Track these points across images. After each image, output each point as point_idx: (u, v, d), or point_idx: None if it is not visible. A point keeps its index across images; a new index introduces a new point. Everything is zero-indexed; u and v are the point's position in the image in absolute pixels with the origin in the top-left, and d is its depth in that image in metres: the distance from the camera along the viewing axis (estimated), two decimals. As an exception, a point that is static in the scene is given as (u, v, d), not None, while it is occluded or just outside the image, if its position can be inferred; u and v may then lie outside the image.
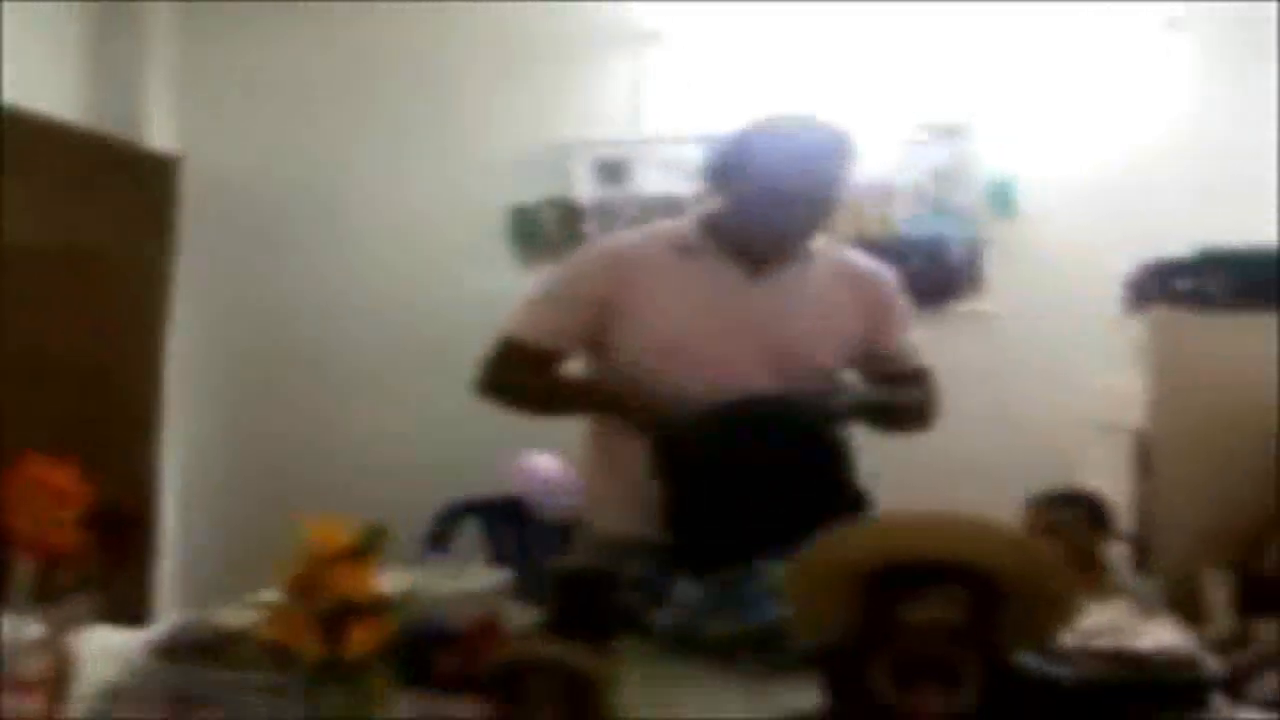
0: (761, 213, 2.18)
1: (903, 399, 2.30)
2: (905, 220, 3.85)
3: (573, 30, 4.00)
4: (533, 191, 4.00)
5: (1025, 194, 3.81)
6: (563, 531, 2.64)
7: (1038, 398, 3.71)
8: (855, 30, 3.88)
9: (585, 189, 3.98)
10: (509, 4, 4.02)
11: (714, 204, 2.27)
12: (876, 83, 3.87)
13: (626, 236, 2.41)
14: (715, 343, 2.20)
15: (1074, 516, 2.31)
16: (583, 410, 2.31)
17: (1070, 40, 3.85)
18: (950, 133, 3.86)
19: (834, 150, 2.18)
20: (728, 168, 2.21)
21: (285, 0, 4.06)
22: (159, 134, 3.99)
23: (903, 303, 2.38)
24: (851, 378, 2.32)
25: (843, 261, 2.35)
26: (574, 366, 2.34)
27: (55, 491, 1.60)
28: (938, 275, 3.79)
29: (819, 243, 2.29)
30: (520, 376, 2.26)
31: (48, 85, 3.62)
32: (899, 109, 3.87)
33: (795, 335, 2.23)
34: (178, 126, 4.06)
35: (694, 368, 2.16)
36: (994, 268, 3.84)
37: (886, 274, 2.38)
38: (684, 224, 2.31)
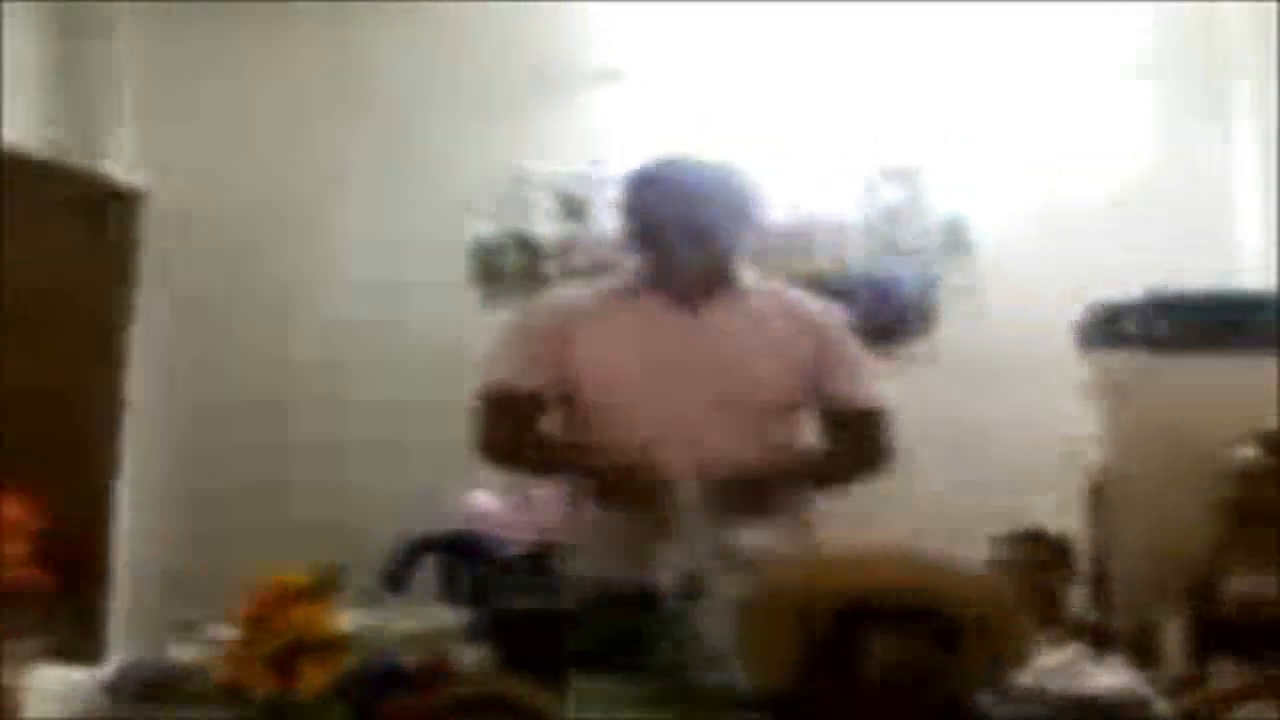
0: (647, 250, 2.27)
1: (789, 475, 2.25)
2: (859, 259, 3.83)
3: (534, 66, 3.98)
4: (492, 226, 3.94)
5: (978, 234, 3.82)
6: (519, 569, 2.65)
7: (994, 436, 3.68)
8: (812, 71, 3.88)
9: (546, 225, 3.96)
10: (472, 40, 4.00)
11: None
12: (832, 123, 3.86)
13: (568, 291, 2.50)
14: (660, 376, 2.23)
15: (1035, 556, 2.32)
16: (570, 475, 2.29)
17: (1025, 83, 3.87)
18: (904, 174, 3.86)
19: (708, 186, 2.23)
20: (620, 210, 2.32)
21: (250, 34, 4.01)
22: (121, 167, 3.90)
23: (851, 340, 2.38)
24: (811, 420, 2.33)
25: (786, 297, 2.39)
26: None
27: (5, 524, 1.57)
28: (891, 314, 3.78)
29: (752, 279, 2.33)
30: (509, 430, 2.29)
31: (9, 117, 3.54)
32: (853, 150, 3.86)
33: (739, 365, 2.26)
34: (140, 159, 3.98)
35: (642, 403, 2.20)
36: (947, 307, 3.84)
37: (833, 311, 2.41)
38: (621, 274, 2.39)
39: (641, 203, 2.27)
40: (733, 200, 2.27)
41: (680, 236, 2.21)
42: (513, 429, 2.30)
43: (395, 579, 3.17)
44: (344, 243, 4.07)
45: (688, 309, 2.28)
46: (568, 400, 2.30)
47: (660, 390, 2.22)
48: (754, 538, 2.01)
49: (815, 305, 2.40)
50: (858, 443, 2.33)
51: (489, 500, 3.32)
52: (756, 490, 2.14)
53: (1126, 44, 3.82)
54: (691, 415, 2.20)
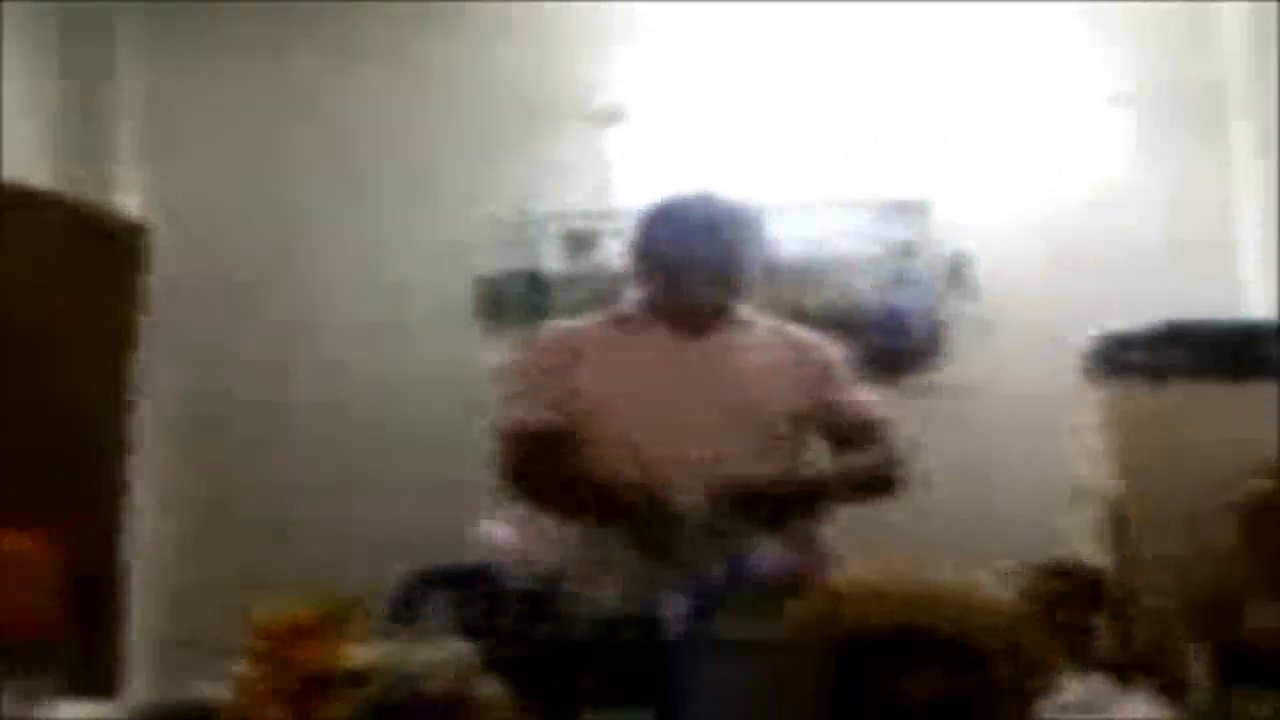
0: (658, 285, 2.31)
1: (840, 472, 2.29)
2: (865, 293, 3.84)
3: (541, 103, 3.99)
4: (499, 262, 3.96)
5: (985, 268, 3.80)
6: (530, 601, 2.63)
7: (1007, 468, 3.66)
8: (818, 108, 3.89)
9: (552, 261, 3.97)
10: (480, 76, 4.02)
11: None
12: (838, 159, 3.87)
13: (567, 322, 2.49)
14: (664, 399, 2.25)
15: (1065, 589, 2.30)
16: (588, 508, 2.28)
17: (1029, 118, 3.86)
18: (910, 209, 3.87)
19: (719, 223, 2.28)
20: (631, 246, 2.37)
21: (254, 72, 4.04)
22: (127, 201, 3.93)
23: (847, 365, 2.41)
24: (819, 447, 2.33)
25: (782, 330, 2.43)
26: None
27: (21, 564, 1.55)
28: (899, 348, 3.79)
29: (749, 313, 2.36)
30: (537, 464, 2.28)
31: (16, 152, 3.56)
32: (860, 185, 3.87)
33: (741, 387, 2.29)
34: (146, 193, 3.99)
35: (649, 426, 2.21)
36: (955, 340, 3.82)
37: (827, 340, 2.44)
38: (623, 304, 2.42)
39: (656, 237, 2.31)
40: (744, 236, 2.31)
41: (693, 271, 2.26)
42: (539, 466, 2.29)
43: (403, 613, 3.13)
44: (348, 279, 4.04)
45: (690, 339, 2.31)
46: (572, 431, 2.30)
47: (667, 412, 2.24)
48: (769, 562, 1.94)
49: (813, 337, 2.44)
50: (868, 454, 2.34)
51: (500, 531, 3.15)
52: (769, 505, 2.12)
53: (1127, 76, 3.80)
54: (699, 435, 2.21)
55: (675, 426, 2.22)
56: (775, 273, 3.34)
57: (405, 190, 4.05)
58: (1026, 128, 3.89)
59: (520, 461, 2.31)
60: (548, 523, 2.34)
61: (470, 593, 2.97)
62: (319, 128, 4.07)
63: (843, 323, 3.31)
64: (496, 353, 3.45)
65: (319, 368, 3.99)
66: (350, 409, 3.96)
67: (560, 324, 2.49)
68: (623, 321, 2.37)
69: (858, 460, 2.32)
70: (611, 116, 3.95)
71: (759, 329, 2.39)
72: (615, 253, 3.76)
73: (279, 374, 4.01)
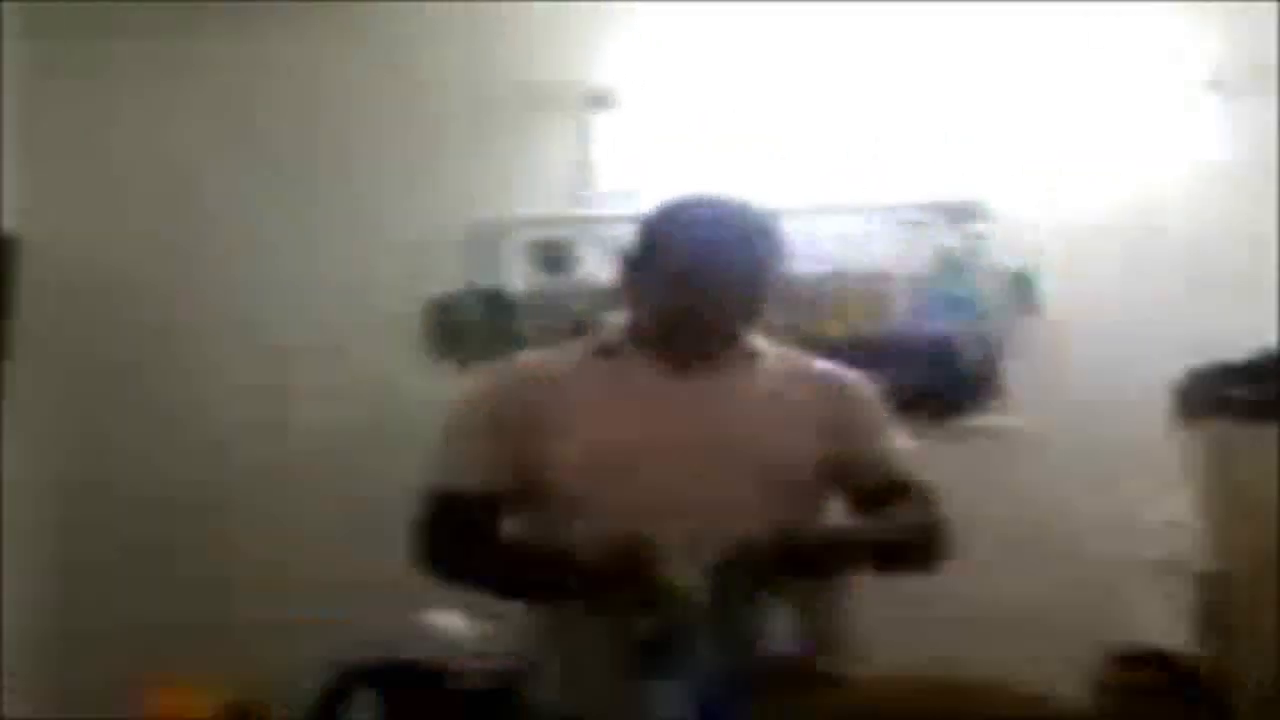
0: (665, 303, 2.22)
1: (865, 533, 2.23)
2: (906, 317, 3.75)
3: (508, 89, 3.86)
4: (456, 281, 3.82)
5: (1051, 283, 3.71)
6: (481, 705, 2.53)
7: (1075, 530, 3.58)
8: (845, 95, 3.78)
9: (519, 278, 3.84)
10: (434, 55, 3.88)
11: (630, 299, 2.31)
12: (870, 155, 3.78)
13: (531, 355, 2.43)
14: (656, 451, 2.17)
15: (1151, 680, 2.19)
16: (547, 582, 2.18)
17: (1097, 105, 3.77)
18: (959, 213, 3.74)
19: (742, 231, 2.21)
20: (630, 257, 2.26)
21: (153, 60, 3.87)
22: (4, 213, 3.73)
23: (879, 406, 2.35)
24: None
25: (800, 363, 2.36)
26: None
27: None
28: (947, 382, 3.70)
29: (762, 343, 2.30)
30: (461, 540, 2.22)
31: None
32: (896, 185, 3.77)
33: (742, 436, 2.21)
34: (21, 205, 3.73)
35: (630, 479, 2.14)
36: (1015, 372, 3.71)
37: (855, 375, 2.36)
38: (605, 330, 2.34)
39: (659, 248, 2.23)
40: (766, 247, 2.23)
41: (706, 290, 2.18)
42: (464, 541, 2.22)
43: (326, 714, 3.05)
44: (274, 298, 3.89)
45: (686, 372, 2.23)
46: (536, 493, 2.22)
47: (656, 469, 2.16)
48: (784, 648, 1.95)
49: (838, 371, 2.36)
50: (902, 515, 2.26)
51: (446, 619, 3.17)
52: (777, 566, 2.03)
53: (1213, 60, 3.72)
54: (696, 497, 2.13)
55: (670, 485, 2.15)
56: (792, 293, 3.43)
57: (341, 193, 3.90)
58: (1098, 117, 3.77)
59: (443, 536, 2.22)
60: (510, 608, 2.26)
61: (406, 692, 2.88)
62: (234, 122, 3.90)
63: (874, 353, 3.24)
64: (450, 389, 3.30)
65: (235, 406, 3.84)
66: (273, 457, 3.80)
67: (522, 359, 2.41)
68: (606, 353, 2.28)
69: (890, 521, 2.23)
70: (597, 102, 3.81)
71: (772, 361, 2.31)
72: (597, 268, 3.69)
73: (184, 411, 3.86)
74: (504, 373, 2.36)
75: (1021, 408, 3.71)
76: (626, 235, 2.29)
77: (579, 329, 3.28)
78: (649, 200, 2.30)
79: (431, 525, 2.23)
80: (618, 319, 2.31)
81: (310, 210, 3.94)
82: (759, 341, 2.31)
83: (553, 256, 3.86)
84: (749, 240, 2.20)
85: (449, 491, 2.23)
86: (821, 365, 2.36)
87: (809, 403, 2.27)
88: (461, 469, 2.23)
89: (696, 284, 2.17)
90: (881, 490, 2.26)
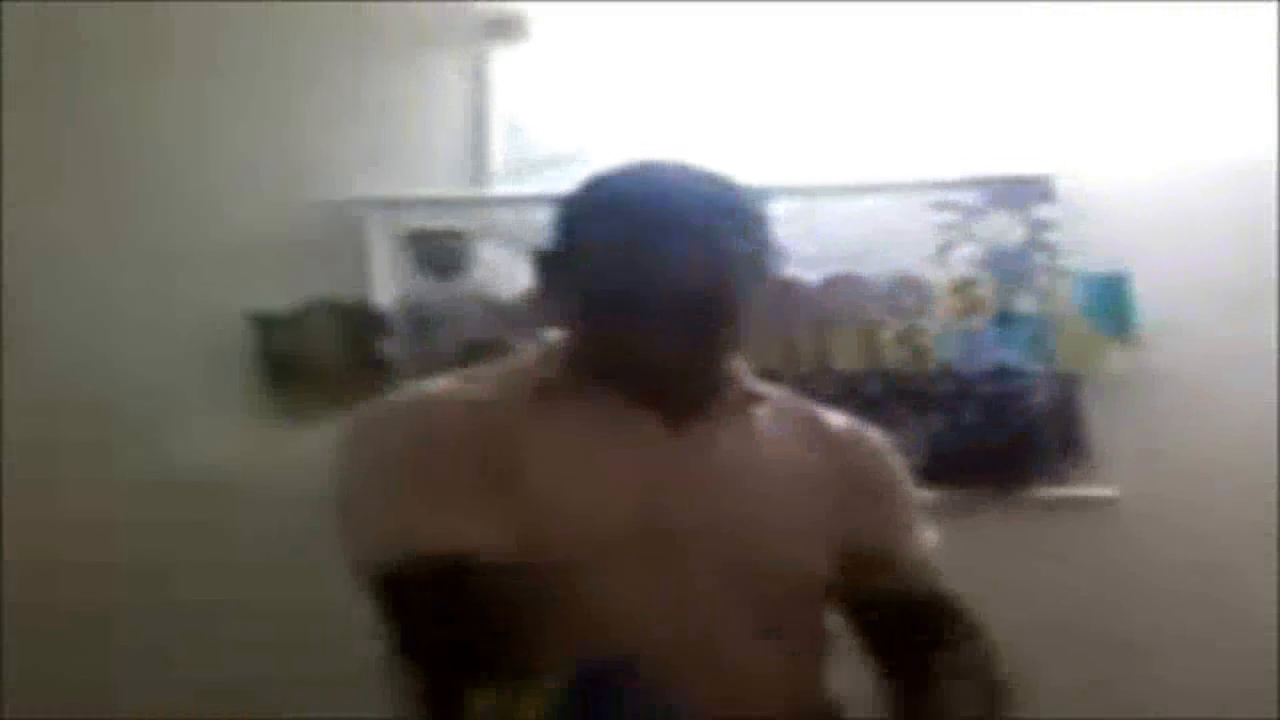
0: (593, 327, 2.16)
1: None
2: (947, 343, 3.70)
3: (373, 22, 3.78)
4: (294, 289, 3.73)
5: (1147, 295, 3.66)
6: None
7: (1190, 636, 3.55)
8: (855, 27, 3.73)
9: (386, 284, 3.75)
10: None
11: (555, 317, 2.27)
12: (893, 116, 3.71)
13: (446, 384, 2.30)
14: (603, 534, 2.13)
15: None
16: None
17: (1205, 54, 3.74)
18: (1019, 193, 3.70)
19: (707, 212, 2.13)
20: (547, 256, 2.23)
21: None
22: None
23: (907, 482, 2.38)
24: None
25: (808, 416, 2.37)
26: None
27: None
28: (1007, 435, 3.65)
29: (753, 383, 2.31)
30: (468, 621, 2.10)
31: None
32: (929, 158, 3.70)
33: (731, 522, 2.18)
34: None
35: (580, 576, 2.10)
36: (1102, 422, 3.65)
37: (876, 436, 2.39)
38: (534, 356, 2.31)
39: (595, 239, 2.14)
40: (744, 237, 2.16)
41: (669, 303, 2.10)
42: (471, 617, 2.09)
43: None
44: (44, 312, 3.79)
45: (664, 424, 2.19)
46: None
47: (615, 563, 2.12)
48: None
49: (852, 424, 2.38)
50: (939, 656, 2.26)
51: None
52: None
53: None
54: (678, 599, 2.11)
55: (633, 585, 2.11)
56: (786, 306, 3.54)
57: (136, 169, 3.79)
58: (1200, 68, 3.74)
59: (437, 615, 2.10)
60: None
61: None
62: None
63: (902, 396, 3.41)
64: (285, 437, 3.52)
65: None
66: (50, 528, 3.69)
67: (437, 386, 2.31)
68: (545, 393, 2.21)
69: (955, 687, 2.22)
70: (499, 31, 3.76)
71: (774, 412, 2.31)
72: (502, 269, 3.67)
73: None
74: (439, 399, 2.26)
75: (1113, 471, 3.67)
76: (543, 224, 2.27)
77: (473, 355, 3.39)
78: (577, 174, 2.24)
79: (416, 607, 2.12)
80: (551, 341, 2.28)
81: (106, 195, 3.85)
82: (753, 383, 2.30)
83: (439, 254, 3.79)
84: (717, 226, 2.12)
85: (432, 557, 2.10)
86: (836, 422, 2.36)
87: (821, 473, 2.26)
88: (440, 523, 2.10)
89: (635, 297, 2.10)
90: (905, 610, 2.28)
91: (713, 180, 2.18)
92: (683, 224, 2.11)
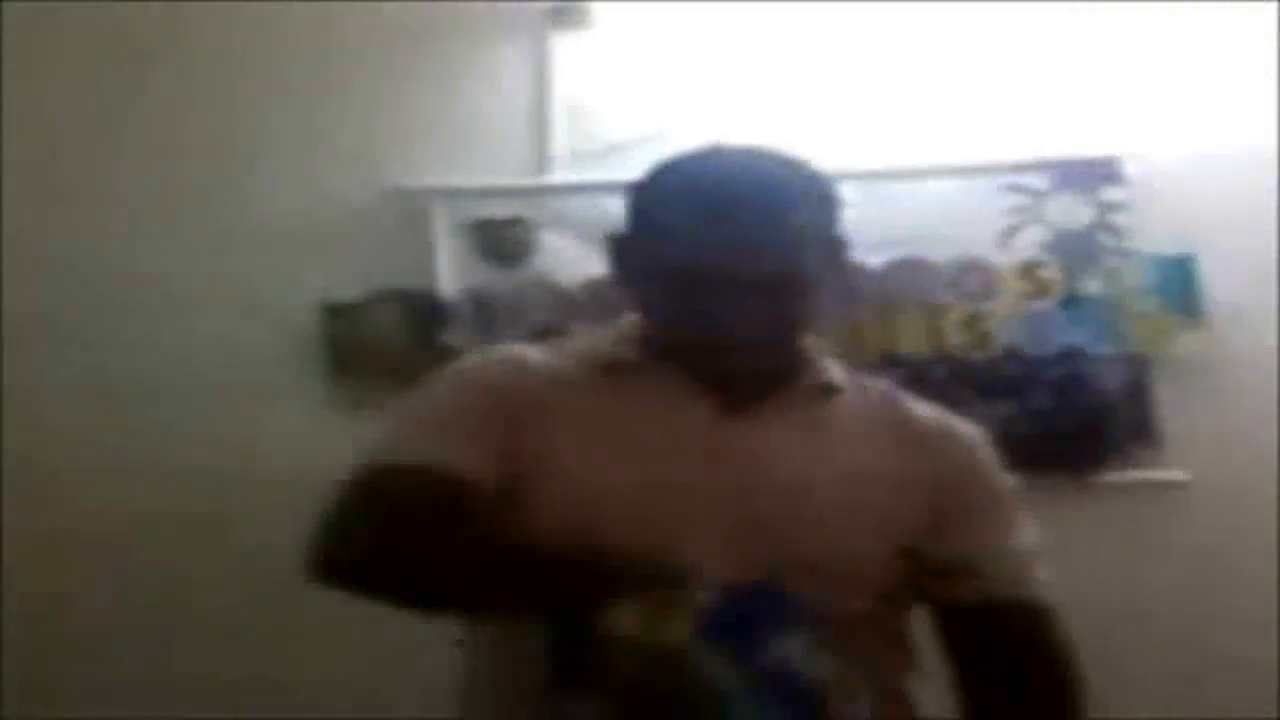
0: (661, 306, 2.14)
1: None
2: (1014, 327, 3.71)
3: (438, 11, 3.80)
4: (360, 278, 3.78)
5: (1217, 278, 3.67)
6: None
7: (1265, 624, 3.55)
8: (924, 17, 3.76)
9: (451, 272, 3.77)
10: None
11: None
12: (958, 98, 3.73)
13: (537, 352, 2.31)
14: (673, 512, 2.10)
15: None
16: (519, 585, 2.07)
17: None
18: (1087, 177, 3.72)
19: (780, 194, 2.09)
20: (620, 239, 2.20)
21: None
22: None
23: (1002, 482, 2.25)
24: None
25: (894, 409, 2.26)
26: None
27: None
28: (1076, 419, 3.66)
29: (837, 370, 2.23)
30: (422, 525, 2.07)
31: None
32: (995, 141, 3.71)
33: (814, 515, 2.12)
34: None
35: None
36: (1173, 406, 3.66)
37: (967, 431, 2.28)
38: (609, 335, 2.27)
39: (664, 226, 2.11)
40: (817, 219, 2.12)
41: (732, 284, 2.07)
42: (427, 526, 2.07)
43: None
44: (108, 304, 3.80)
45: (729, 411, 2.15)
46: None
47: (668, 534, 2.08)
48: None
49: (944, 419, 2.27)
50: (1023, 674, 2.19)
51: None
52: None
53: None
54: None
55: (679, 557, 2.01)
56: (861, 292, 3.56)
57: (198, 160, 3.81)
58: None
59: (395, 519, 2.07)
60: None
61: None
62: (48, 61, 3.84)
63: (971, 380, 3.41)
64: (353, 424, 3.47)
65: (60, 452, 3.80)
66: (119, 513, 3.76)
67: (516, 350, 2.32)
68: (614, 370, 2.20)
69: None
70: (565, 20, 3.79)
71: (853, 400, 2.23)
72: (566, 258, 3.70)
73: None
74: (493, 359, 2.29)
75: (1185, 454, 3.66)
76: (608, 212, 2.25)
77: (536, 344, 3.21)
78: (640, 161, 2.20)
79: (382, 504, 2.09)
80: (628, 321, 2.24)
81: (167, 184, 3.85)
82: (834, 368, 2.22)
83: (503, 242, 3.80)
84: (789, 207, 2.08)
85: (397, 466, 2.10)
86: (926, 416, 2.26)
87: (902, 474, 2.18)
88: (445, 444, 2.11)
89: (700, 276, 2.08)
90: (986, 611, 2.18)
91: (785, 163, 2.13)
92: (751, 205, 2.07)
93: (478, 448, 2.12)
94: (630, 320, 2.24)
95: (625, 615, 1.89)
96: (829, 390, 2.20)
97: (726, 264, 2.06)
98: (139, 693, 3.70)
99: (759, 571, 1.99)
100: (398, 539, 2.07)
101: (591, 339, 2.30)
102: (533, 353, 2.29)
